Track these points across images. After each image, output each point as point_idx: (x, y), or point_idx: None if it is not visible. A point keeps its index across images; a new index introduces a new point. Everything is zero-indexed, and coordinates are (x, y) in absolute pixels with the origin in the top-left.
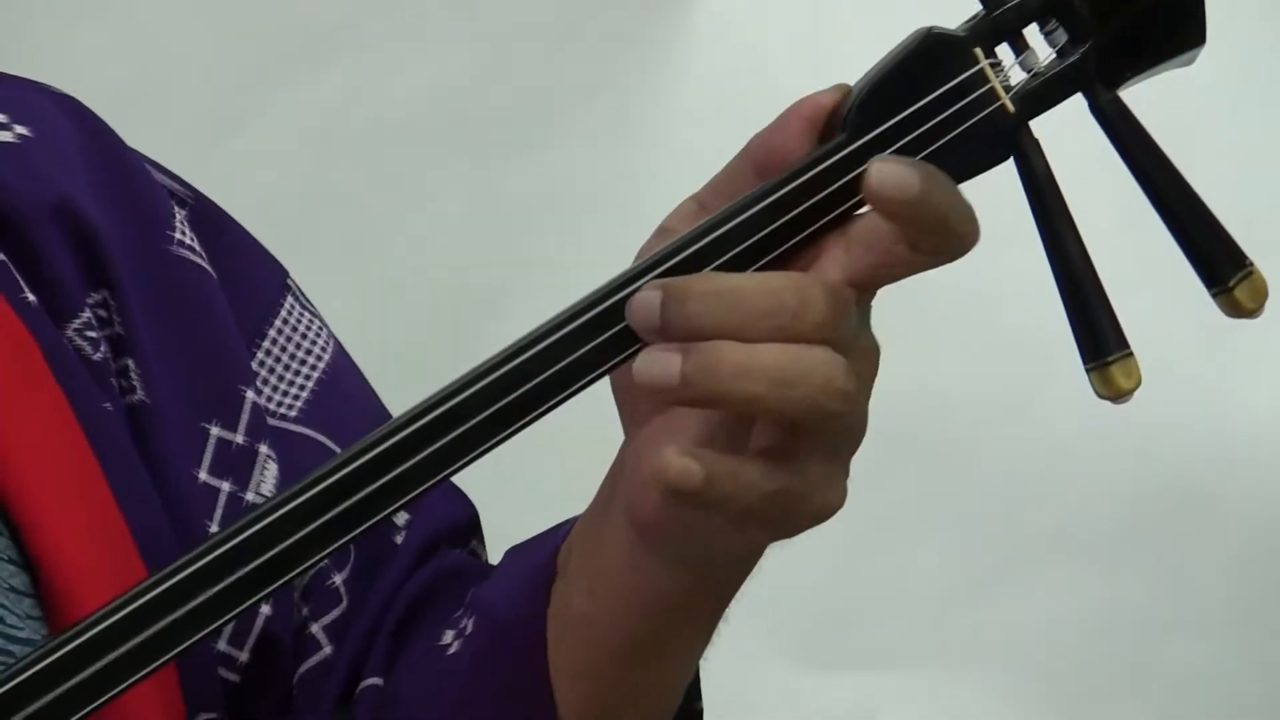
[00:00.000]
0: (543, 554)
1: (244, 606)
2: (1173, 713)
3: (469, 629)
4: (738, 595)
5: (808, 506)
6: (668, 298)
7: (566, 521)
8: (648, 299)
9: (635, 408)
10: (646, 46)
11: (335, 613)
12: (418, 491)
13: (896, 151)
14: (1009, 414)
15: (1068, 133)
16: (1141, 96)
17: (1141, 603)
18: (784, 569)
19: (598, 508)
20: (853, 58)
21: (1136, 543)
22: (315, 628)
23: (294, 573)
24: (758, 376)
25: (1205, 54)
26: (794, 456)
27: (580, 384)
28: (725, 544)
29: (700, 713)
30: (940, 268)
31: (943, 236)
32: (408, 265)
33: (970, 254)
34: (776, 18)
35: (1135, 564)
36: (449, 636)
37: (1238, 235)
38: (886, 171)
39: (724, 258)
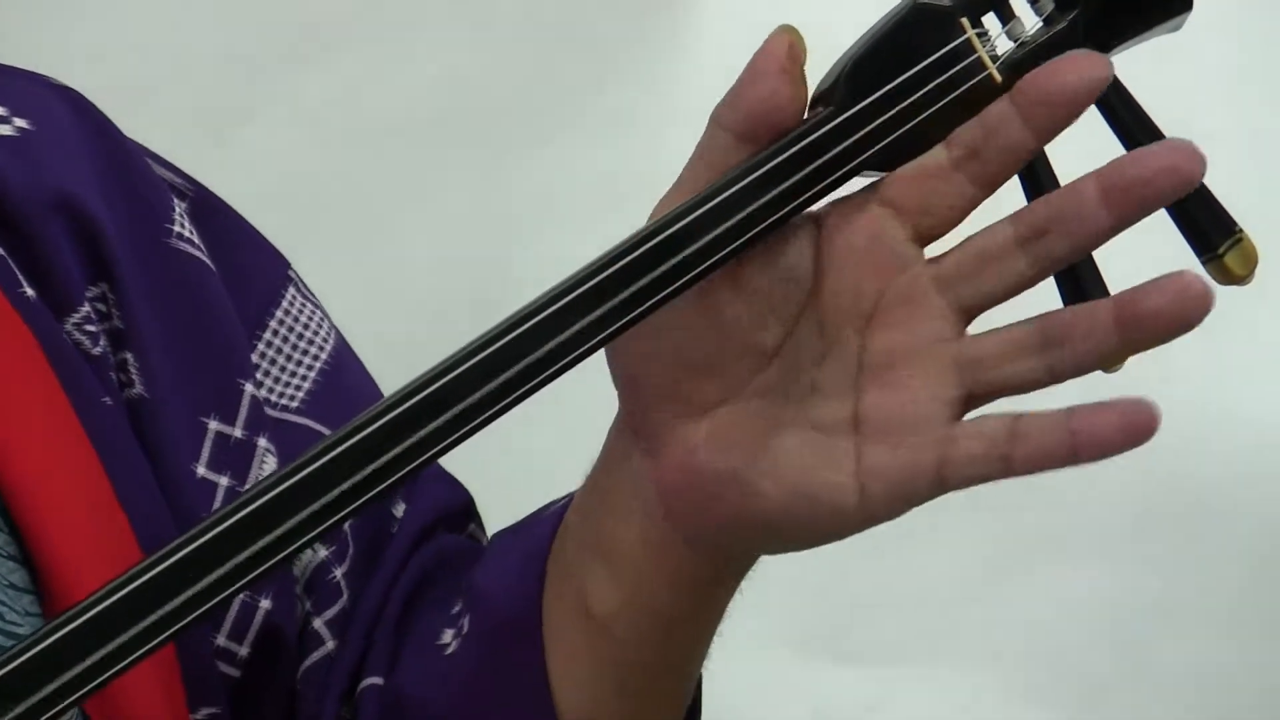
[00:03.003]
0: (534, 543)
1: (236, 588)
2: (1178, 708)
3: (465, 627)
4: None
5: None
6: None
7: (554, 505)
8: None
9: (643, 396)
10: (652, 42)
11: (337, 607)
12: (411, 468)
13: (886, 122)
14: (1017, 407)
15: None
16: (1142, 77)
17: (1147, 599)
18: (791, 563)
19: (599, 497)
20: None
21: (1142, 539)
22: (318, 623)
23: (285, 554)
24: None
25: (1210, 38)
26: None
27: (571, 359)
28: (750, 513)
29: (699, 707)
30: None
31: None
32: (411, 260)
33: None
34: (782, 14)
35: (1141, 560)
36: (448, 635)
37: (1246, 226)
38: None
39: (717, 230)
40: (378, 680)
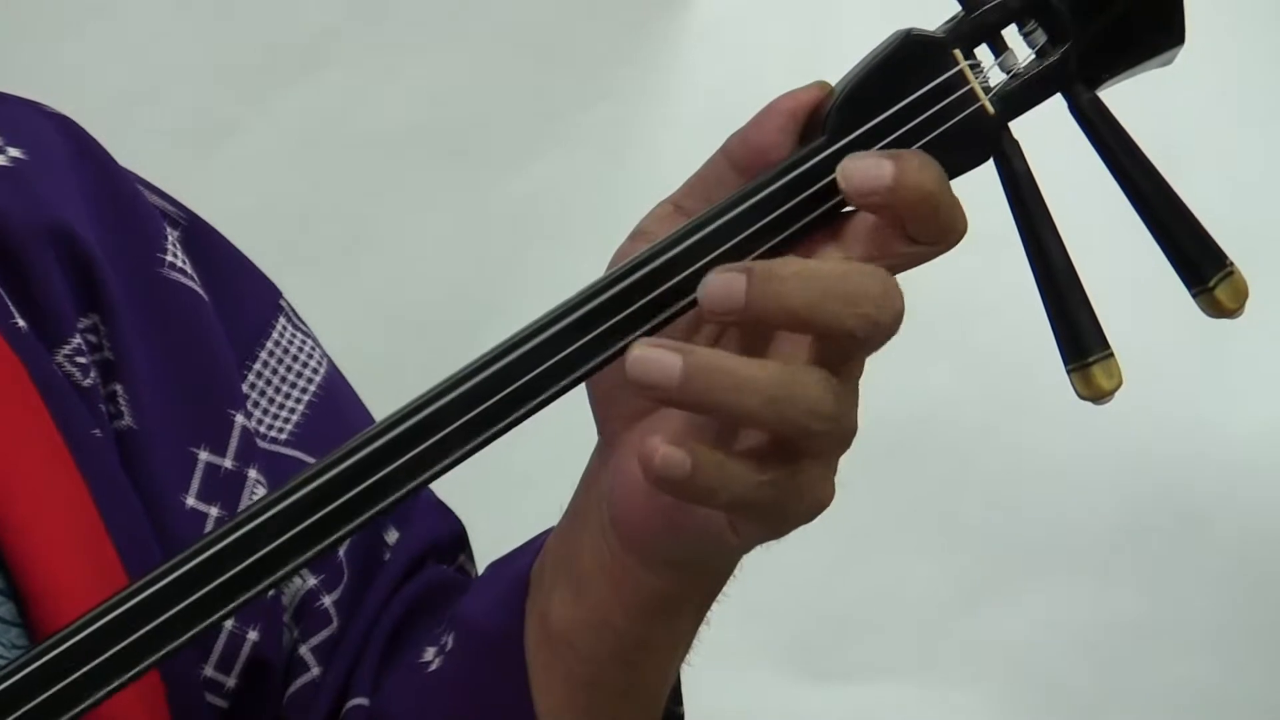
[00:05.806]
0: (519, 567)
1: (223, 613)
2: None
3: (449, 644)
4: (720, 597)
5: (798, 504)
6: (755, 277)
7: (543, 533)
8: (729, 279)
9: (613, 412)
10: (642, 55)
11: (325, 634)
12: (398, 496)
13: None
14: (1003, 424)
15: (1049, 134)
16: (1133, 108)
17: (1135, 613)
18: (779, 579)
19: (572, 517)
20: (849, 65)
21: (1131, 553)
22: (304, 649)
23: (272, 580)
24: (754, 391)
25: (1199, 65)
26: (783, 458)
27: (559, 387)
28: (713, 544)
29: (681, 716)
30: (939, 274)
31: (931, 221)
32: (401, 274)
33: (967, 260)
34: (772, 26)
35: (1129, 574)
36: (430, 653)
37: (1231, 248)
38: (853, 167)
39: (706, 259)
40: (363, 701)
